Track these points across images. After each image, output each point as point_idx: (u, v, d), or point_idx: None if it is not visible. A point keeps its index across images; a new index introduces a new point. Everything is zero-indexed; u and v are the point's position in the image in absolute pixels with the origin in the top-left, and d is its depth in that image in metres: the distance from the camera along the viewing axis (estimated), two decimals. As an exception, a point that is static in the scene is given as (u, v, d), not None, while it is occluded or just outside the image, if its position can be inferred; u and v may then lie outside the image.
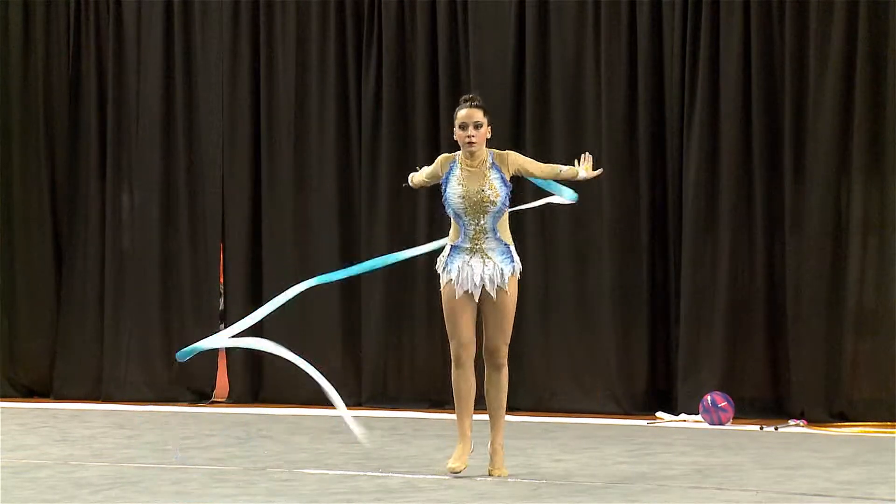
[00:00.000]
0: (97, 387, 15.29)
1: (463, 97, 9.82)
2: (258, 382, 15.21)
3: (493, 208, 9.56)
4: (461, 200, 9.59)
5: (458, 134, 9.66)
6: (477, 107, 9.66)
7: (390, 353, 14.93)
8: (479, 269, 9.64)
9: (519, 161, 9.76)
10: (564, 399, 14.29)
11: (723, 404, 13.33)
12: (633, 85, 14.12)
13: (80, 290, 15.46)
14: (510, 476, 10.30)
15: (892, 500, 9.41)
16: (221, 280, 15.51)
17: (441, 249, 9.94)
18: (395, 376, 14.88)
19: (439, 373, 14.48)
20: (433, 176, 9.85)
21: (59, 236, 15.53)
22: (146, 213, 15.36)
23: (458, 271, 9.67)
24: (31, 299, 15.48)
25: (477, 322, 9.84)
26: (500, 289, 9.67)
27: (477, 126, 9.57)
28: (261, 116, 15.24)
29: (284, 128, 15.18)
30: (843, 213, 13.66)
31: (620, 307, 14.20)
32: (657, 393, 14.17)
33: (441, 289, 9.77)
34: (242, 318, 14.86)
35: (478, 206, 9.56)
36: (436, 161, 9.85)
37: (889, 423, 13.17)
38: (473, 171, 9.61)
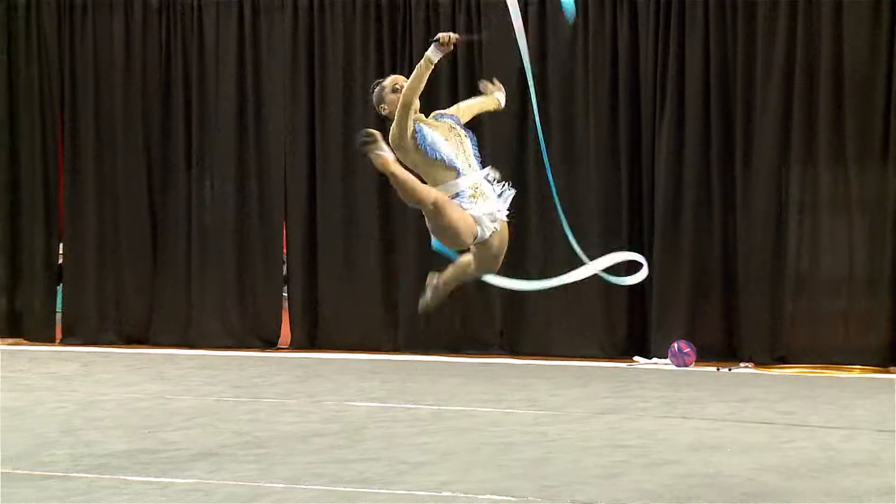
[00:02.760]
0: (185, 335, 15.30)
1: (376, 81, 8.41)
2: (314, 332, 15.20)
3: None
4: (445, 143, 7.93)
5: (391, 100, 8.11)
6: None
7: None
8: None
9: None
10: (560, 346, 14.30)
11: (687, 350, 13.40)
12: (614, 87, 14.08)
13: (172, 257, 15.44)
14: (512, 409, 10.30)
15: (824, 427, 9.47)
16: (284, 250, 15.54)
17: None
18: (426, 324, 14.86)
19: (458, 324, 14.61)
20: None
21: (155, 215, 15.49)
22: (223, 196, 15.33)
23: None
24: (132, 265, 15.43)
25: None
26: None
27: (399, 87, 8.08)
28: (315, 116, 15.17)
29: (334, 125, 15.13)
30: (783, 196, 13.68)
31: (614, 285, 14.18)
32: (634, 341, 14.20)
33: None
34: (300, 280, 15.10)
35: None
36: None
37: (820, 366, 13.21)
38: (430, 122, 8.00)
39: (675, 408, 10.56)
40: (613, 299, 14.18)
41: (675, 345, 13.46)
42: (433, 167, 7.75)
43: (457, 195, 7.70)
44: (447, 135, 7.84)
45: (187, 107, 15.42)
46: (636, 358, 13.99)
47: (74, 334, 15.48)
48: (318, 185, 15.11)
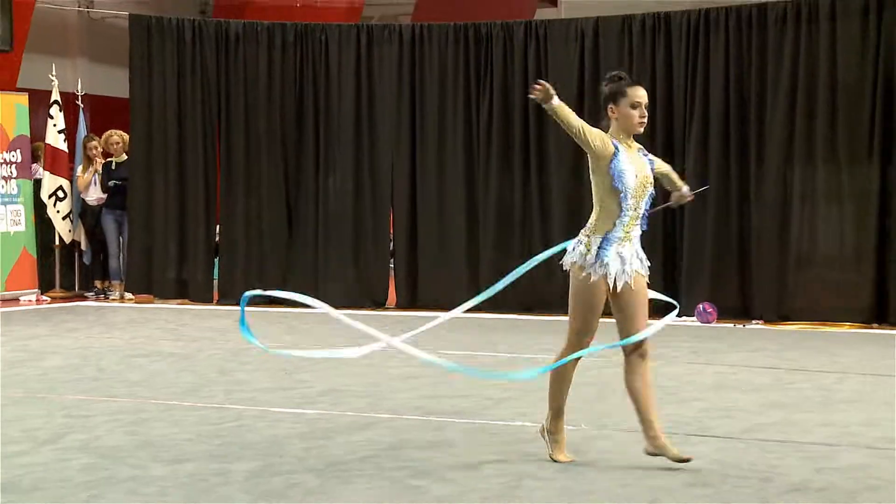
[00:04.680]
0: (314, 296, 15.32)
1: (617, 74, 6.24)
2: (414, 294, 15.26)
3: (650, 190, 6.08)
4: (634, 180, 5.98)
5: (626, 112, 6.05)
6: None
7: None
8: (628, 257, 6.09)
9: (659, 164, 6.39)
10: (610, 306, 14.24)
11: (710, 310, 13.28)
12: (652, 99, 13.99)
13: (303, 238, 15.54)
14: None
15: (819, 371, 9.37)
16: (391, 232, 15.59)
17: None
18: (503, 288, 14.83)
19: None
20: (585, 134, 5.96)
21: (290, 205, 15.59)
22: (344, 190, 15.40)
23: (611, 264, 6.07)
24: (272, 245, 15.55)
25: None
26: (638, 275, 6.16)
27: (647, 107, 6.13)
28: (416, 125, 15.25)
29: (431, 134, 15.19)
30: (787, 189, 13.55)
31: (652, 255, 14.12)
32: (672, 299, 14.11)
33: (579, 278, 6.17)
34: (403, 254, 15.16)
35: (642, 189, 6.02)
36: (601, 136, 6.05)
37: (816, 323, 13.08)
38: (633, 153, 6.11)
39: (699, 356, 10.49)
40: (653, 272, 14.06)
41: (701, 306, 13.36)
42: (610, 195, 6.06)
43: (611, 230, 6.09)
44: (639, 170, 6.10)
45: (315, 119, 15.55)
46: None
47: (227, 297, 15.58)
48: (417, 181, 15.19)
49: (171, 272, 15.84)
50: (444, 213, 15.02)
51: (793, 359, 10.15)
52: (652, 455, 6.02)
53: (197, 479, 5.70)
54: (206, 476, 5.78)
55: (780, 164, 13.53)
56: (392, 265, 15.64)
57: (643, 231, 6.16)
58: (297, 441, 6.67)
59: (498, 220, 14.84)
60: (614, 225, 6.05)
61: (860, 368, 9.78)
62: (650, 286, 6.37)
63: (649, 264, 6.27)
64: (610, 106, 6.10)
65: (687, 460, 5.86)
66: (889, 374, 9.45)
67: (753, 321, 13.30)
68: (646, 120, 6.10)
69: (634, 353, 6.19)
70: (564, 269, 6.27)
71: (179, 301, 15.67)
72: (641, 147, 6.24)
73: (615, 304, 6.22)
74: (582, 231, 6.19)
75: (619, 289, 6.11)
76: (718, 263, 13.78)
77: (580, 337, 6.26)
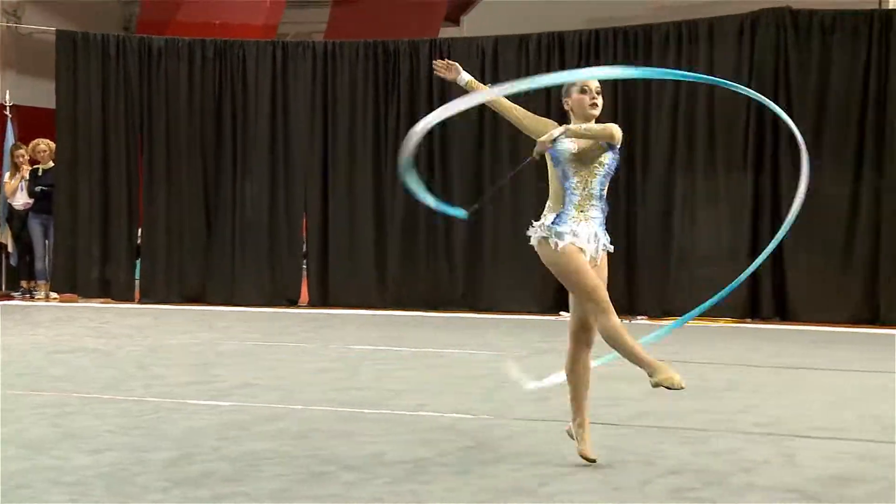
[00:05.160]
0: (231, 296, 15.29)
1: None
2: (325, 294, 15.21)
3: (600, 170, 5.60)
4: (573, 157, 5.58)
5: (576, 98, 5.69)
6: None
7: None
8: (583, 235, 5.61)
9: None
10: (506, 303, 14.32)
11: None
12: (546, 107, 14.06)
13: (221, 240, 15.44)
14: (472, 351, 10.28)
15: (699, 362, 9.45)
16: (304, 234, 15.53)
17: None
18: (407, 288, 14.84)
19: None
20: (532, 122, 5.74)
21: (209, 209, 15.49)
22: (260, 196, 15.33)
23: (573, 233, 5.60)
24: (192, 246, 15.45)
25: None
26: (592, 260, 5.65)
27: (598, 91, 5.70)
28: (328, 136, 15.22)
29: (342, 142, 15.16)
30: (670, 194, 13.69)
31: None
32: (561, 299, 14.17)
33: (555, 251, 5.58)
34: (316, 256, 15.11)
35: (587, 165, 5.58)
36: (546, 121, 5.72)
37: (695, 317, 13.19)
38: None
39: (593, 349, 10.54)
40: (544, 269, 14.14)
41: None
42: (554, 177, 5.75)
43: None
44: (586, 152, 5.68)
45: (233, 130, 15.49)
46: (561, 312, 13.96)
47: (148, 296, 15.46)
48: (329, 188, 15.18)
49: (94, 273, 15.62)
50: (354, 218, 15.01)
51: (674, 351, 10.22)
52: (571, 437, 5.85)
53: (117, 469, 5.61)
54: (126, 465, 5.69)
55: (663, 172, 13.67)
56: (305, 267, 15.57)
57: (605, 213, 5.70)
58: (212, 432, 6.58)
59: (404, 225, 14.84)
60: (563, 204, 5.66)
61: (734, 359, 9.91)
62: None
63: (611, 249, 5.78)
64: (565, 100, 5.80)
65: (592, 461, 5.71)
66: (760, 364, 9.60)
67: (638, 317, 13.42)
68: (598, 101, 5.69)
69: (583, 341, 5.80)
70: (534, 248, 5.75)
71: (102, 300, 15.45)
72: None
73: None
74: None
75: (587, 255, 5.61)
76: (616, 263, 13.88)
77: (594, 295, 5.50)
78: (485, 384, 8.43)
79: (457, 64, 5.89)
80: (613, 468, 5.68)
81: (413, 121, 14.62)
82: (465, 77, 5.85)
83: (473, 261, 14.61)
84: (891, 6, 15.47)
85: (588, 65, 14.05)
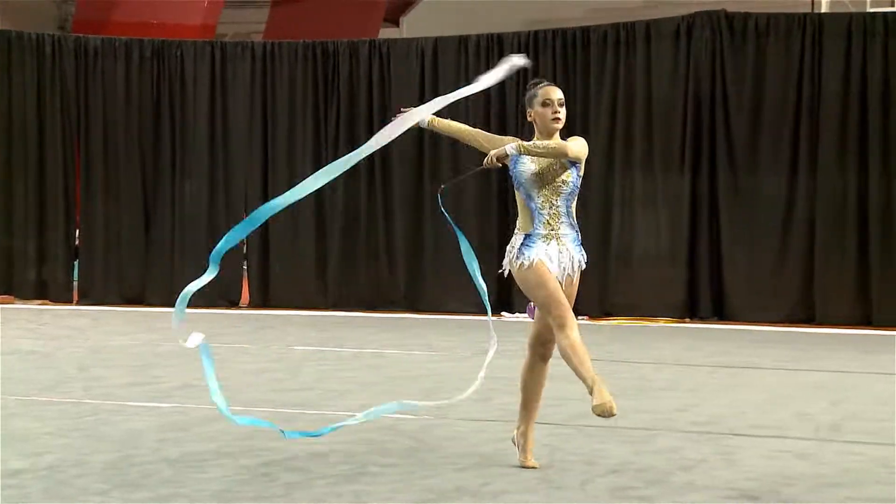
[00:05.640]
0: (170, 297, 15.12)
1: (535, 80, 5.76)
2: (266, 294, 15.14)
3: (564, 188, 5.46)
4: (534, 177, 5.47)
5: (539, 111, 5.57)
6: (557, 87, 5.73)
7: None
8: (555, 256, 5.51)
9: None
10: (448, 304, 14.31)
11: (540, 307, 13.42)
12: (486, 109, 14.10)
13: (160, 239, 15.33)
14: (412, 351, 10.28)
15: (638, 362, 9.49)
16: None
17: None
18: (348, 288, 14.82)
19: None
20: (497, 144, 5.61)
21: (148, 209, 15.37)
22: (199, 195, 15.24)
23: (539, 255, 5.48)
24: (130, 246, 15.33)
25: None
26: (569, 277, 5.57)
27: (561, 104, 5.57)
28: (267, 135, 15.16)
29: (281, 142, 15.09)
30: (609, 194, 13.76)
31: (487, 258, 14.16)
32: (502, 300, 14.21)
33: (522, 270, 5.50)
34: (256, 256, 15.03)
35: (549, 185, 5.46)
36: (504, 140, 5.64)
37: (635, 318, 13.31)
38: None
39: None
40: (486, 270, 14.16)
41: (531, 304, 13.45)
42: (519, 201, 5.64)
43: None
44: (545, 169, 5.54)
45: (172, 129, 15.39)
46: (503, 313, 14.00)
47: (87, 297, 15.30)
48: (269, 188, 15.11)
49: (31, 274, 15.43)
50: (295, 218, 14.93)
51: (615, 351, 10.30)
52: (515, 445, 5.80)
53: (56, 471, 5.54)
54: (65, 468, 5.62)
55: (602, 173, 13.73)
56: (245, 266, 15.49)
57: (576, 229, 5.58)
58: (152, 433, 6.52)
59: (344, 225, 14.81)
60: (533, 224, 5.52)
61: (674, 359, 9.98)
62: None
63: (585, 265, 5.64)
64: (527, 111, 5.66)
65: (533, 467, 5.66)
66: (698, 364, 9.67)
67: (579, 317, 13.46)
68: (560, 116, 5.55)
69: (538, 353, 5.76)
70: (505, 274, 5.70)
71: (40, 301, 15.26)
72: None
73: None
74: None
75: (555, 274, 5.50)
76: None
77: (553, 311, 5.42)
78: (426, 385, 8.42)
79: (410, 109, 5.67)
80: (555, 468, 5.69)
81: (353, 119, 14.77)
82: (427, 118, 5.71)
83: (414, 261, 14.61)
84: (823, 10, 15.70)
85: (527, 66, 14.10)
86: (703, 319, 13.39)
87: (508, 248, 5.61)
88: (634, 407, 7.43)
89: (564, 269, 5.55)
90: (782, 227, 13.22)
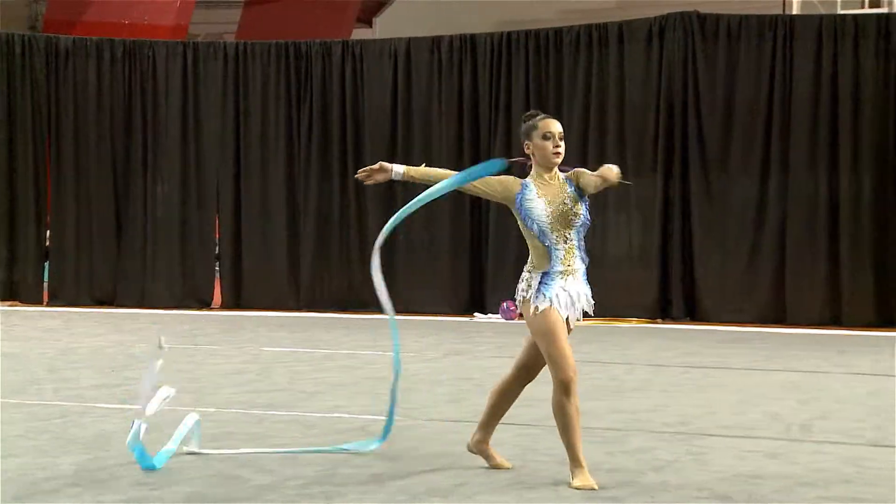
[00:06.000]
0: (141, 299, 15.12)
1: (532, 111, 5.60)
2: (238, 295, 15.10)
3: (577, 221, 5.32)
4: (546, 214, 5.30)
5: (539, 144, 5.38)
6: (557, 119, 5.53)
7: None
8: (575, 295, 5.39)
9: (584, 177, 5.40)
10: (420, 304, 14.30)
11: (512, 308, 13.43)
12: (458, 108, 14.11)
13: (132, 241, 15.29)
14: (384, 352, 10.26)
15: (610, 363, 9.51)
16: (216, 235, 15.39)
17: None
18: (321, 289, 14.81)
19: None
20: (499, 189, 5.43)
21: (119, 210, 15.35)
22: (171, 196, 15.21)
23: (557, 297, 5.34)
24: (102, 247, 15.31)
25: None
26: (584, 313, 5.50)
27: (562, 138, 5.39)
28: (240, 136, 15.13)
29: (254, 143, 15.07)
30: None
31: (460, 259, 14.21)
32: (474, 301, 14.24)
33: (535, 314, 5.31)
34: (228, 257, 14.99)
35: (563, 220, 5.31)
36: (500, 179, 5.43)
37: (607, 318, 13.32)
38: (551, 184, 5.38)
39: (503, 350, 10.56)
40: (458, 271, 14.21)
41: (504, 304, 13.50)
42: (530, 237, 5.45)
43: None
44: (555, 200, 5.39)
45: (144, 129, 15.36)
46: (476, 314, 14.01)
47: (57, 298, 15.23)
48: (242, 189, 15.08)
49: (1, 274, 15.34)
50: (268, 218, 14.92)
51: (588, 352, 10.30)
52: (472, 453, 5.76)
53: (24, 474, 5.49)
54: (33, 470, 5.57)
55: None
56: (217, 267, 15.44)
57: (586, 263, 5.44)
58: (122, 436, 6.45)
59: (317, 225, 14.78)
60: (550, 261, 5.35)
61: (646, 360, 9.99)
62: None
63: (590, 309, 5.51)
64: (525, 143, 5.46)
65: (508, 468, 5.64)
66: (670, 364, 9.70)
67: (551, 318, 13.50)
68: (561, 150, 5.38)
69: (523, 377, 5.64)
70: (519, 308, 5.49)
71: (10, 302, 15.17)
72: (570, 177, 5.43)
73: None
74: (526, 265, 5.47)
75: (569, 323, 5.39)
76: (520, 265, 13.93)
77: (562, 370, 5.33)
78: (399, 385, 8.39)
79: (380, 163, 5.59)
80: (528, 468, 5.69)
81: (326, 120, 14.75)
82: (398, 169, 5.53)
83: (387, 262, 14.54)
84: (794, 11, 15.77)
85: (500, 68, 14.11)
86: (675, 320, 13.43)
87: (523, 286, 5.41)
88: (607, 407, 7.44)
89: (578, 309, 5.42)
90: (753, 228, 13.27)
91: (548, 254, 5.37)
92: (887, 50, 12.92)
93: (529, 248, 5.46)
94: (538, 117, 5.48)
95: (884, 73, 12.95)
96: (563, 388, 5.33)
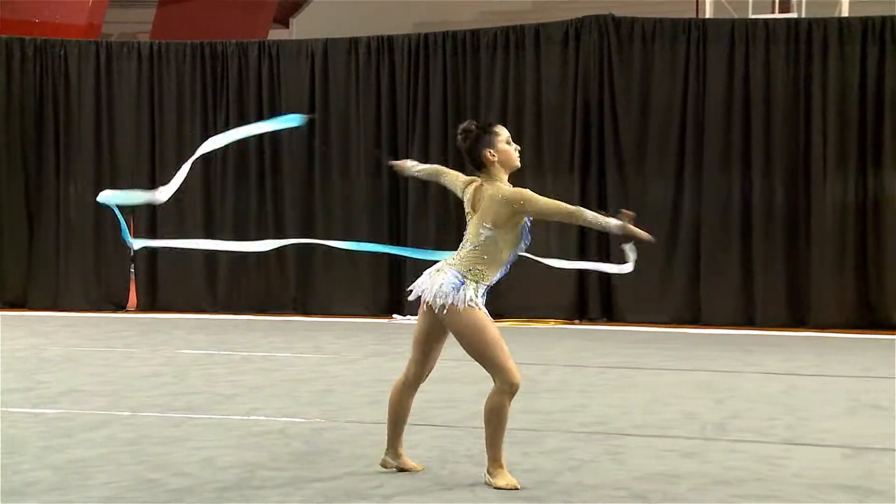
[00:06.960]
0: (54, 301, 14.90)
1: (479, 123, 5.60)
2: (154, 297, 14.96)
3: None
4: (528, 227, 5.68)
5: (504, 149, 5.48)
6: None
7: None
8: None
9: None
10: (338, 307, 14.28)
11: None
12: (377, 109, 14.10)
13: (44, 243, 15.04)
14: (303, 354, 10.22)
15: (526, 363, 9.55)
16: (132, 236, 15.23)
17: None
18: (238, 291, 14.73)
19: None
20: (449, 185, 5.90)
21: (31, 213, 15.09)
22: (85, 197, 14.97)
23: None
24: (13, 250, 15.05)
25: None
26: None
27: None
28: (155, 136, 14.97)
29: (169, 143, 14.92)
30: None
31: (379, 261, 14.17)
32: (393, 302, 14.23)
33: (467, 310, 5.32)
34: (144, 258, 14.84)
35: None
36: (462, 175, 5.76)
37: (526, 320, 13.39)
38: None
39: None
40: (378, 272, 14.19)
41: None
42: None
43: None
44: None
45: (56, 130, 15.15)
46: (394, 315, 14.01)
47: (-32, 301, 14.98)
48: (157, 187, 14.86)
49: None
50: (184, 220, 14.77)
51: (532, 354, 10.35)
52: (389, 468, 5.61)
53: (-66, 481, 5.40)
54: (-56, 477, 5.48)
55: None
56: (133, 269, 15.27)
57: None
58: (36, 440, 6.39)
59: (234, 225, 14.68)
60: (496, 275, 5.46)
61: (563, 361, 10.07)
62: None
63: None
64: (488, 151, 5.43)
65: (419, 469, 5.62)
66: (587, 365, 9.78)
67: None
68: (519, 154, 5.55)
69: (415, 385, 5.60)
70: (445, 306, 5.36)
71: (-83, 306, 14.89)
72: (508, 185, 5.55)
73: (441, 333, 5.55)
74: (461, 270, 5.40)
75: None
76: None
77: (509, 371, 5.32)
78: (316, 387, 8.39)
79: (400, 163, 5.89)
80: (446, 469, 5.71)
81: (242, 121, 14.62)
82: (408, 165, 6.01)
83: (305, 264, 14.54)
84: (707, 15, 15.98)
85: (417, 69, 14.14)
86: (592, 321, 13.54)
87: (469, 291, 5.34)
88: (523, 408, 7.48)
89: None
90: (669, 229, 13.42)
91: (503, 268, 5.47)
92: (797, 54, 13.15)
93: (482, 257, 5.42)
94: (492, 126, 5.50)
95: (793, 78, 13.17)
96: (511, 393, 5.28)
